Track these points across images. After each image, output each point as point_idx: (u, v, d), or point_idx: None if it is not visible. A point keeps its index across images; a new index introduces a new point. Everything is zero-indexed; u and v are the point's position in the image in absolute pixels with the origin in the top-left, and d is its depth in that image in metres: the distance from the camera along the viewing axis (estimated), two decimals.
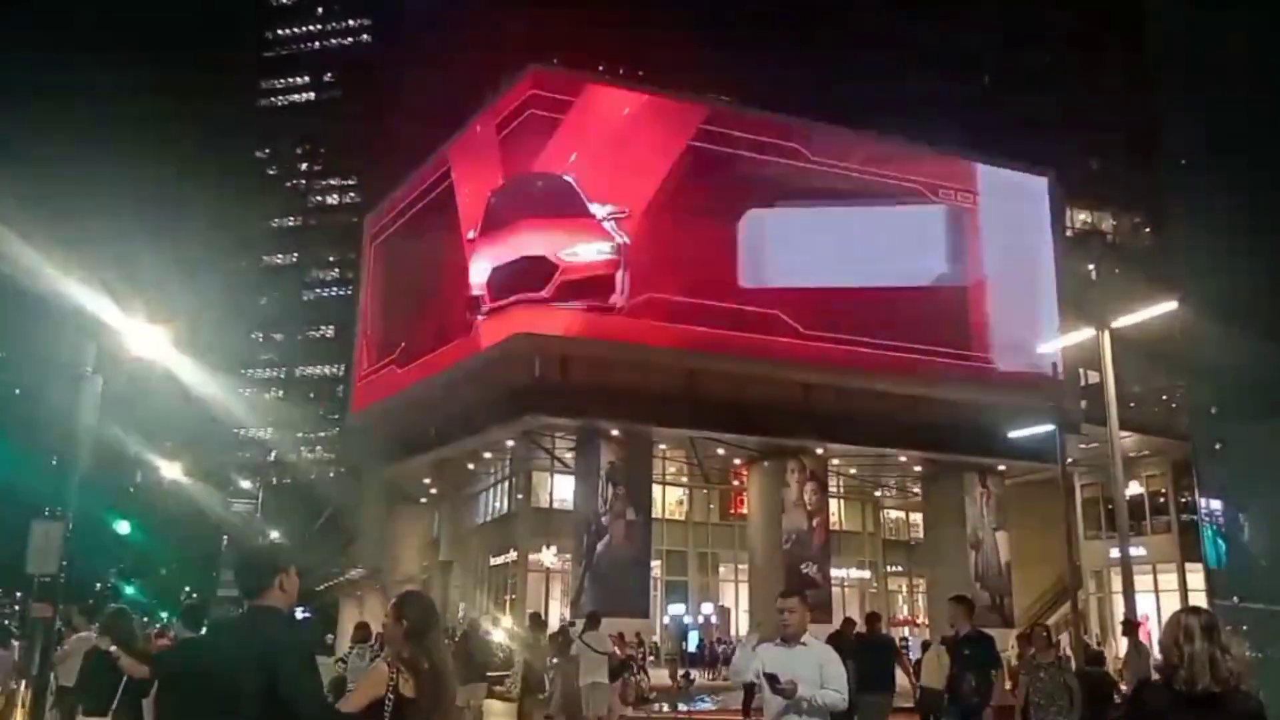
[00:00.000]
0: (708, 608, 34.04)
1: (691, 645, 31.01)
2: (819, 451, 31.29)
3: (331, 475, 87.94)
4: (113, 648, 7.20)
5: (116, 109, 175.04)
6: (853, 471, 35.63)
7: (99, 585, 77.62)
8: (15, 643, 15.79)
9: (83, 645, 8.40)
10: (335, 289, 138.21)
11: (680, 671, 25.89)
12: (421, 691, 4.47)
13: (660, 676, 25.01)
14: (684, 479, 35.21)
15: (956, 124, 40.13)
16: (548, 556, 31.46)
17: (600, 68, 48.71)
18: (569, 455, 30.32)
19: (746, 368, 28.83)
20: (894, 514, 40.78)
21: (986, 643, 9.41)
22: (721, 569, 35.60)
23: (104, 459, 18.20)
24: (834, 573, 32.27)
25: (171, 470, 46.23)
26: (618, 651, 16.51)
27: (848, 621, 13.77)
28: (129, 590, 77.76)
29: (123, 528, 33.77)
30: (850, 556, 36.54)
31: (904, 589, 39.71)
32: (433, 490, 37.63)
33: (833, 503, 34.26)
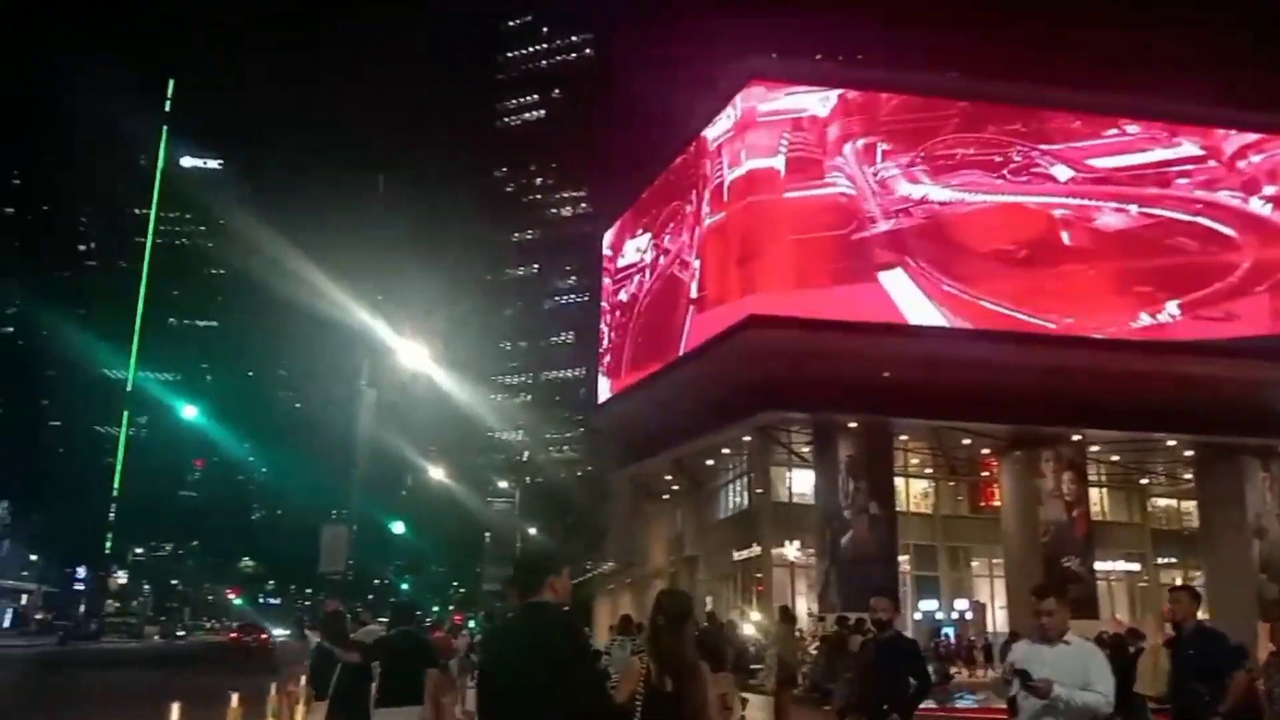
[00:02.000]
0: (961, 603, 32.84)
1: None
2: (1076, 438, 29.57)
3: (579, 474, 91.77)
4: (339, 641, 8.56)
5: (373, 144, 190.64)
6: (1115, 458, 33.25)
7: (378, 581, 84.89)
8: (309, 634, 17.47)
9: (369, 637, 9.41)
10: (573, 296, 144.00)
11: (937, 669, 25.14)
12: (679, 684, 4.65)
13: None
14: (928, 471, 34.16)
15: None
16: (791, 551, 31.42)
17: (819, 56, 48.15)
18: (806, 449, 30.19)
19: (992, 352, 27.64)
20: (1163, 502, 37.64)
21: (1216, 641, 7.56)
22: (974, 564, 34.25)
23: (379, 465, 19.96)
24: (1098, 566, 30.33)
25: (437, 473, 49.97)
26: None
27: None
28: (404, 586, 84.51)
29: (398, 528, 36.82)
30: (1116, 549, 34.14)
31: (1179, 582, 36.56)
32: (674, 487, 38.48)
33: (1094, 492, 32.20)
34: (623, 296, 41.77)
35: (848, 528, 27.34)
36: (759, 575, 32.26)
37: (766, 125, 30.78)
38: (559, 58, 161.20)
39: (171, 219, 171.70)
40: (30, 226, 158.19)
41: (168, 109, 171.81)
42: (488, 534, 53.32)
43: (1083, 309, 30.39)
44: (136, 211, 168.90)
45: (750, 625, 28.50)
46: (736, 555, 34.12)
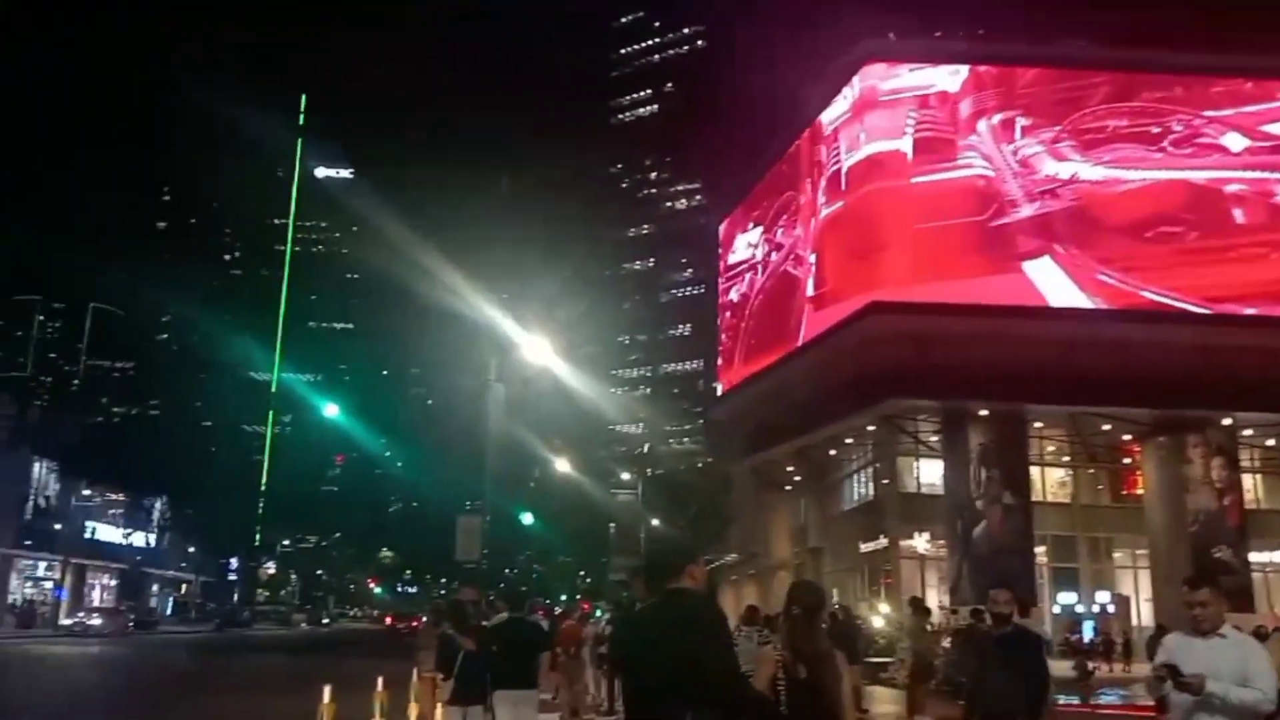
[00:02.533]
0: (1103, 596, 31.55)
1: (1086, 635, 28.91)
2: (1226, 422, 27.97)
3: (700, 465, 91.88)
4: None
5: (495, 148, 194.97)
6: (1270, 443, 31.31)
7: (508, 570, 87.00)
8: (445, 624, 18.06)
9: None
10: (690, 289, 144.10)
11: (1076, 664, 24.24)
12: (814, 673, 4.71)
13: (1052, 669, 23.54)
14: (1065, 458, 32.85)
15: None
16: (920, 542, 30.79)
17: (938, 34, 46.72)
18: (934, 439, 29.47)
19: (1133, 332, 26.43)
20: None
21: None
22: (1116, 554, 32.81)
23: (509, 458, 20.51)
24: (1253, 557, 28.62)
25: (562, 466, 50.92)
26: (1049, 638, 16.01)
27: None
28: (534, 575, 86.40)
29: (527, 518, 37.60)
30: (1273, 539, 32.14)
31: None
32: (796, 477, 38.15)
33: (1247, 479, 30.37)
34: (733, 296, 40.62)
35: (980, 519, 26.60)
36: (887, 567, 31.72)
37: (889, 105, 29.29)
38: (670, 52, 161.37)
39: (308, 227, 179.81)
40: (179, 239, 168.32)
41: (301, 122, 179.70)
42: (612, 525, 54.02)
43: (1262, 297, 27.91)
44: (275, 221, 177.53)
45: (879, 618, 28.10)
46: (863, 547, 33.62)
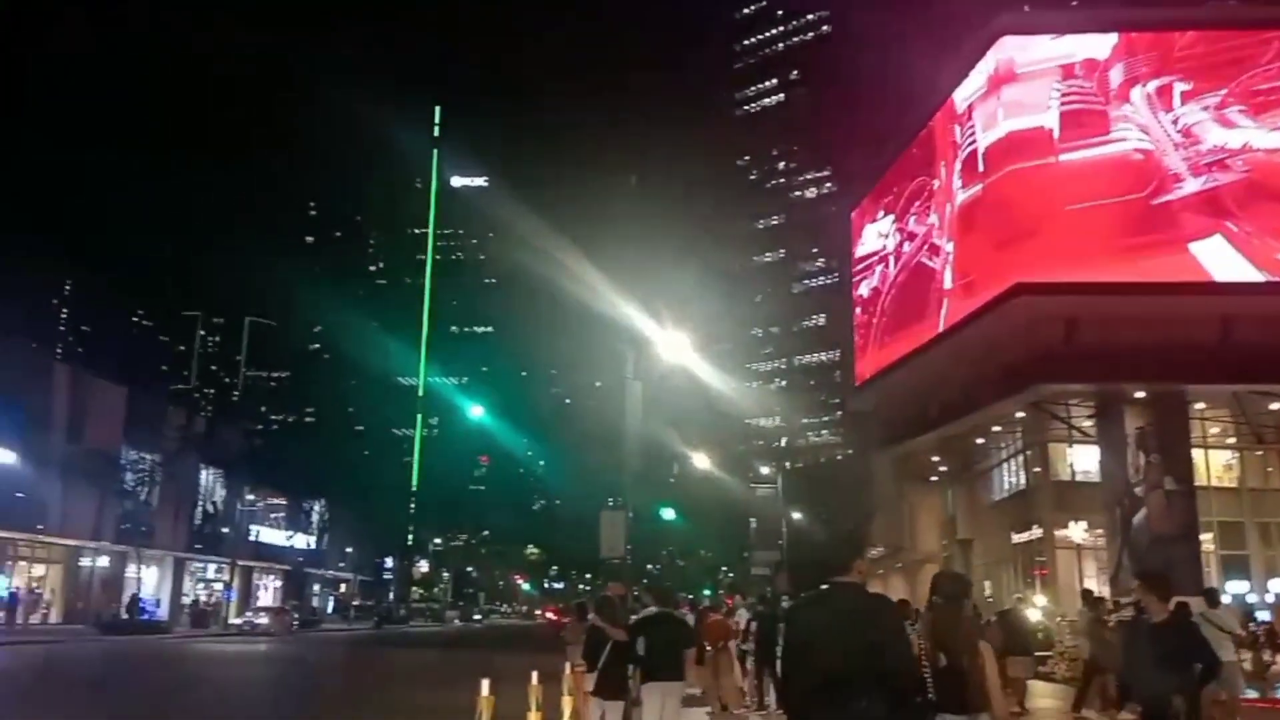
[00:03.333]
0: (1277, 584, 29.60)
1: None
2: None
3: (839, 457, 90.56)
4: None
5: (624, 147, 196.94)
6: None
7: (651, 566, 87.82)
8: (591, 616, 18.47)
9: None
10: (822, 278, 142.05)
11: (1253, 657, 22.86)
12: (958, 660, 4.87)
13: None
14: (1230, 440, 30.93)
15: None
16: (1076, 532, 29.57)
17: (1074, 2, 44.57)
18: (1087, 423, 28.22)
19: None
20: None
21: None
22: None
23: (648, 455, 20.76)
24: None
25: (701, 461, 51.14)
26: (1240, 631, 15.37)
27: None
28: (681, 565, 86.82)
29: (668, 514, 37.88)
30: None
31: None
32: (942, 468, 37.19)
33: None
34: (864, 291, 39.06)
35: (1139, 506, 25.33)
36: (1041, 558, 30.61)
37: (1030, 77, 27.42)
38: (794, 39, 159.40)
39: (446, 235, 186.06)
40: (326, 253, 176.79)
41: (436, 134, 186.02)
42: (753, 520, 53.90)
43: None
44: (415, 231, 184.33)
45: (1034, 610, 27.17)
46: (1015, 538, 32.54)
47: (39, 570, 43.50)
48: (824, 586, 4.29)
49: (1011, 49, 28.27)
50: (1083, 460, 29.95)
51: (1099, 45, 27.42)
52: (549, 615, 61.67)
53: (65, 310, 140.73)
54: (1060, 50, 27.72)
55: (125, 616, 43.11)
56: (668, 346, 19.65)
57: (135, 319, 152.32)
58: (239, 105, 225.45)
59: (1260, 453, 31.16)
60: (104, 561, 46.14)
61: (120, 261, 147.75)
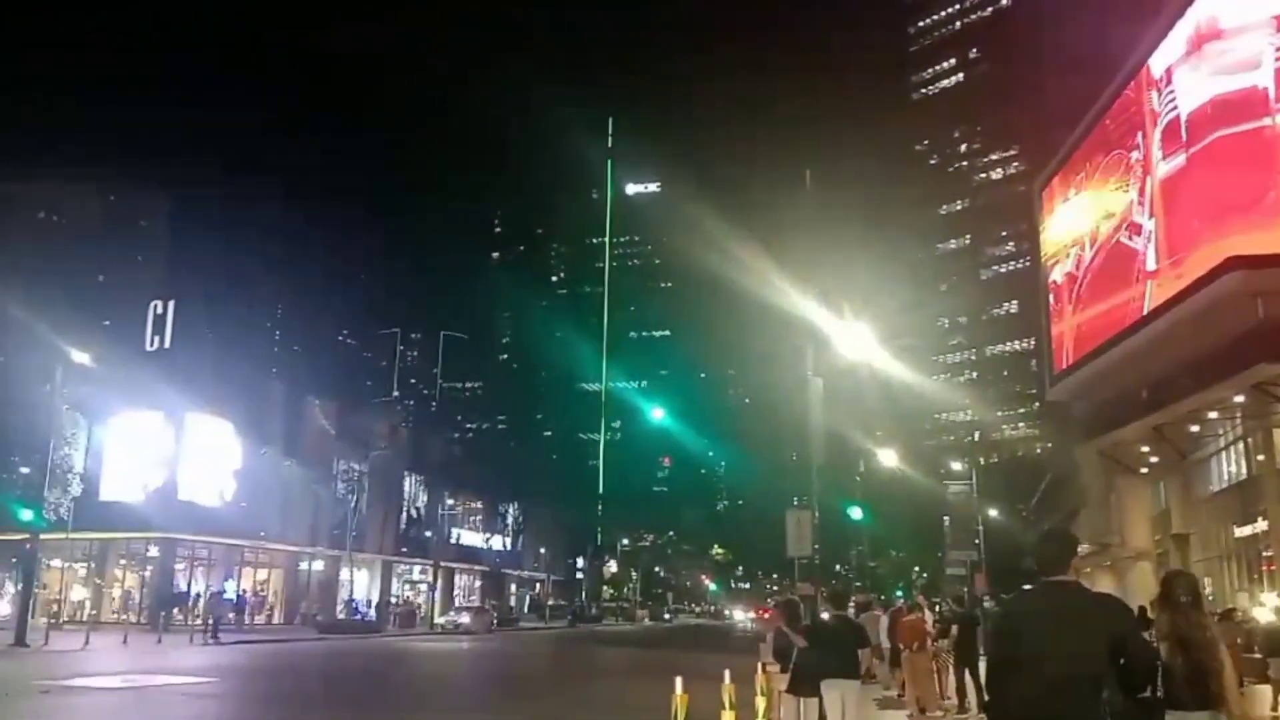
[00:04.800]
0: None
1: None
2: None
3: (1039, 451, 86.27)
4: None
5: (799, 140, 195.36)
6: None
7: (839, 566, 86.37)
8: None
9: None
10: (1011, 263, 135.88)
11: None
12: (1196, 658, 4.99)
13: None
14: None
15: None
16: None
17: None
18: None
19: None
20: None
21: None
22: None
23: (833, 452, 20.47)
24: None
25: (888, 458, 49.86)
26: None
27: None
28: (875, 567, 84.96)
29: (856, 513, 37.14)
30: None
31: None
32: (1153, 459, 34.68)
33: None
34: (1057, 277, 36.80)
35: None
36: (1268, 553, 28.09)
37: (1237, 33, 24.82)
38: (973, 16, 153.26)
39: (623, 243, 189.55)
40: (511, 267, 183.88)
41: (610, 144, 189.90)
42: (945, 518, 52.04)
43: None
44: (593, 240, 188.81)
45: (1262, 609, 25.02)
46: (1237, 532, 30.02)
47: (262, 575, 47.25)
48: (1043, 582, 4.27)
49: (1214, 5, 26.06)
50: None
51: None
52: (763, 615, 61.42)
53: (278, 332, 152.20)
54: (1273, 1, 25.27)
55: (340, 616, 46.11)
56: (849, 341, 19.30)
57: (341, 338, 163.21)
58: (428, 131, 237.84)
59: None
60: (319, 566, 49.55)
61: (325, 285, 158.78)
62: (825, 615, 10.03)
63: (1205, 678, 4.92)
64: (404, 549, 56.67)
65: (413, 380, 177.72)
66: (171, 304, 43.79)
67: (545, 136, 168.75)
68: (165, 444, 41.15)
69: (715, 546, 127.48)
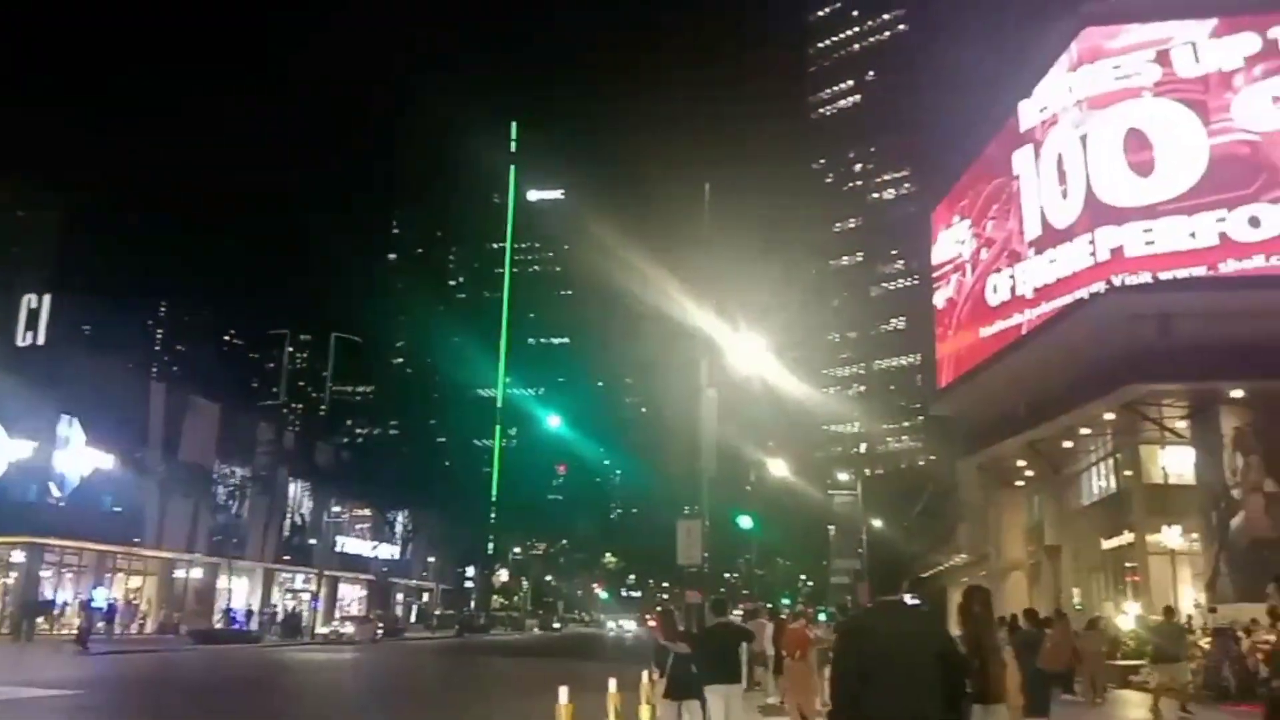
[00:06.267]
0: None
1: None
2: None
3: (921, 463, 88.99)
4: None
5: (698, 154, 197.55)
6: None
7: (728, 574, 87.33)
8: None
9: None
10: (901, 280, 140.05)
11: None
12: (983, 660, 6.02)
13: None
14: None
15: None
16: (1170, 537, 28.46)
17: None
18: (1181, 424, 27.17)
19: None
20: None
21: None
22: None
23: (724, 462, 20.66)
24: None
25: (778, 468, 50.71)
26: None
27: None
28: (760, 573, 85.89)
29: (745, 522, 37.63)
30: None
31: None
32: (1029, 472, 36.19)
33: None
34: (939, 301, 38.17)
35: (1238, 509, 24.28)
36: (1133, 565, 29.55)
37: (1119, 67, 26.34)
38: (871, 39, 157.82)
39: (524, 249, 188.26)
40: (408, 269, 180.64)
41: (513, 149, 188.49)
42: (831, 527, 53.23)
43: None
44: (494, 245, 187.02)
45: (1126, 618, 26.32)
46: (1105, 544, 31.49)
47: (135, 582, 45.15)
48: (880, 601, 4.87)
49: (1097, 38, 27.33)
50: (1176, 463, 28.83)
51: (1197, 29, 26.07)
52: (649, 622, 61.80)
53: (160, 330, 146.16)
54: (1153, 36, 26.46)
55: (218, 626, 44.42)
56: (743, 353, 19.54)
57: (227, 338, 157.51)
58: (322, 129, 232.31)
59: None
60: (197, 573, 47.67)
61: (211, 283, 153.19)
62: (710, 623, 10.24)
63: (991, 679, 5.92)
64: (287, 557, 55.02)
65: (301, 383, 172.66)
66: (47, 298, 41.56)
67: (447, 138, 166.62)
68: (34, 444, 39.02)
69: (608, 555, 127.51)
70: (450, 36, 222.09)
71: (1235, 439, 24.71)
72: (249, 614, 48.24)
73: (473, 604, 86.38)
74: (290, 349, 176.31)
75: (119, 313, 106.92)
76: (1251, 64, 25.55)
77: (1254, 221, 24.72)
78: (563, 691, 8.81)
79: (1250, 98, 25.35)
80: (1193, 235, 25.06)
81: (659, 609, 12.64)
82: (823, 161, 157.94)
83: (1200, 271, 24.90)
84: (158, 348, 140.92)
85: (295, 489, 56.72)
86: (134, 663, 27.94)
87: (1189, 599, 26.17)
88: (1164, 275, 25.11)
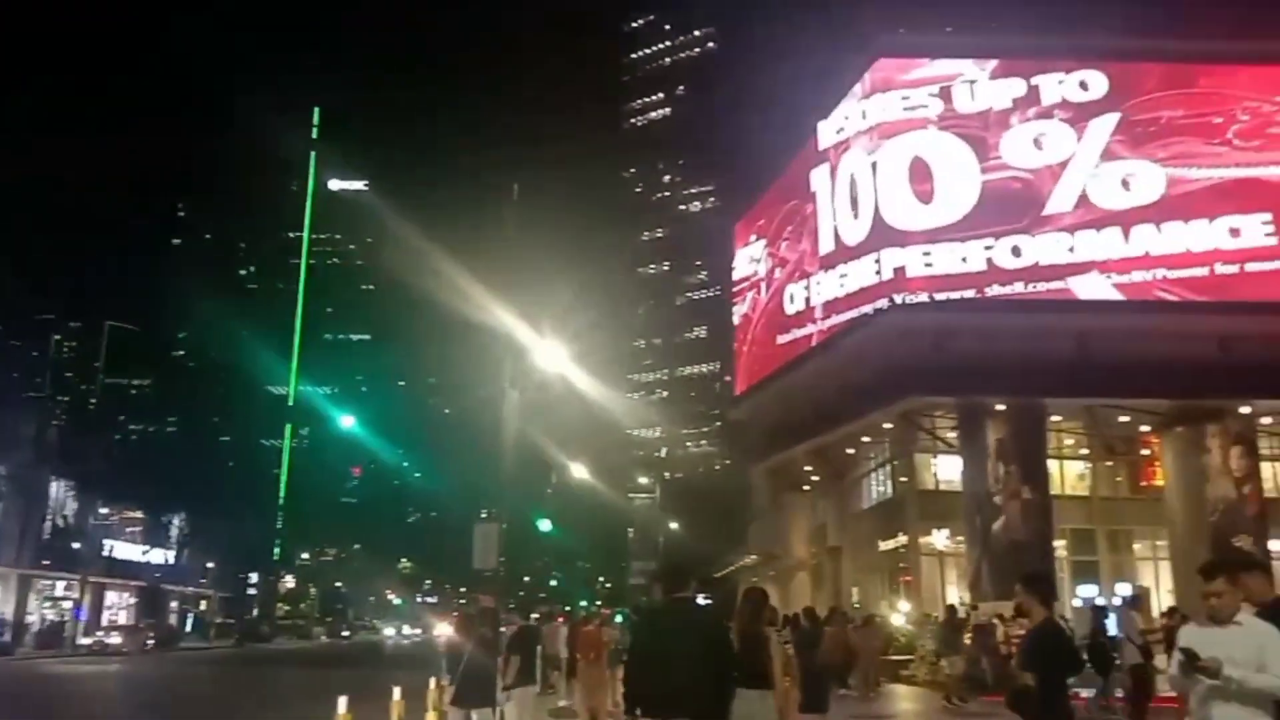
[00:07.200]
0: (1123, 588, 31.25)
1: (1112, 629, 28.52)
2: (1244, 410, 27.65)
3: (717, 467, 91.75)
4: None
5: (508, 155, 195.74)
6: None
7: (526, 577, 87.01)
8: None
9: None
10: (704, 291, 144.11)
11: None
12: (747, 653, 6.72)
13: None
14: (1084, 451, 32.60)
15: None
16: (939, 539, 30.61)
17: (949, 29, 46.28)
18: (952, 434, 29.30)
19: (1145, 321, 26.23)
20: None
21: None
22: (1136, 546, 32.52)
23: (525, 465, 20.53)
24: (1273, 545, 28.23)
25: (579, 471, 50.97)
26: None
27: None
28: (553, 582, 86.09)
29: (544, 525, 37.55)
30: None
31: None
32: (815, 477, 38.03)
33: (1266, 467, 29.94)
34: (736, 318, 39.70)
35: (999, 514, 26.39)
36: (905, 565, 31.56)
37: (907, 100, 28.44)
38: (682, 54, 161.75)
39: (323, 240, 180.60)
40: (194, 255, 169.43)
41: (315, 136, 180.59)
42: (630, 529, 54.04)
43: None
44: (290, 235, 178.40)
45: (899, 616, 28.00)
46: (882, 545, 33.47)
47: None
48: (669, 597, 5.68)
49: (888, 72, 29.23)
50: (946, 470, 31.03)
51: (978, 70, 28.46)
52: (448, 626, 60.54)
53: None
54: (939, 73, 28.66)
55: None
56: (547, 356, 19.45)
57: None
58: (101, 94, 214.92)
59: (1110, 463, 32.95)
60: None
61: None
62: (504, 629, 10.23)
63: (759, 667, 6.85)
64: (46, 562, 50.36)
65: (69, 374, 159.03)
66: None
67: (242, 119, 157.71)
68: None
69: (403, 560, 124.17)
70: (257, 16, 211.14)
71: (998, 449, 26.84)
72: (1, 624, 43.86)
73: (255, 612, 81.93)
74: (57, 337, 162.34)
75: None
76: (1018, 106, 28.11)
77: (1015, 251, 27.21)
78: (341, 701, 8.44)
79: (1016, 137, 27.92)
80: (964, 260, 27.31)
81: (455, 613, 12.60)
82: (633, 171, 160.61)
83: (970, 294, 27.11)
84: None
85: (58, 488, 52.06)
86: None
87: (954, 597, 28.15)
88: (940, 296, 27.22)
